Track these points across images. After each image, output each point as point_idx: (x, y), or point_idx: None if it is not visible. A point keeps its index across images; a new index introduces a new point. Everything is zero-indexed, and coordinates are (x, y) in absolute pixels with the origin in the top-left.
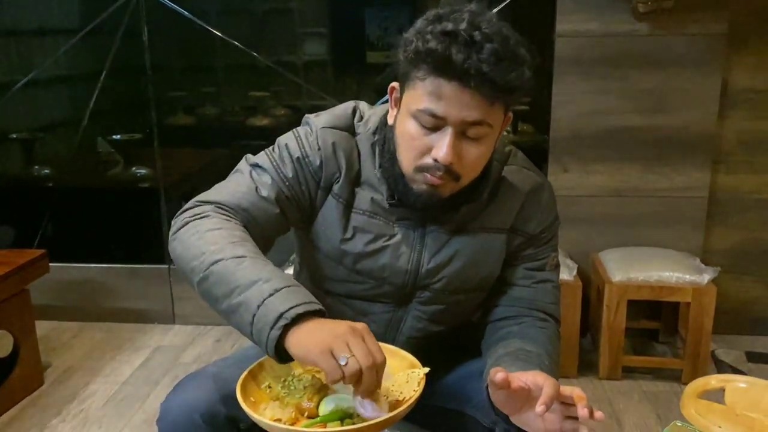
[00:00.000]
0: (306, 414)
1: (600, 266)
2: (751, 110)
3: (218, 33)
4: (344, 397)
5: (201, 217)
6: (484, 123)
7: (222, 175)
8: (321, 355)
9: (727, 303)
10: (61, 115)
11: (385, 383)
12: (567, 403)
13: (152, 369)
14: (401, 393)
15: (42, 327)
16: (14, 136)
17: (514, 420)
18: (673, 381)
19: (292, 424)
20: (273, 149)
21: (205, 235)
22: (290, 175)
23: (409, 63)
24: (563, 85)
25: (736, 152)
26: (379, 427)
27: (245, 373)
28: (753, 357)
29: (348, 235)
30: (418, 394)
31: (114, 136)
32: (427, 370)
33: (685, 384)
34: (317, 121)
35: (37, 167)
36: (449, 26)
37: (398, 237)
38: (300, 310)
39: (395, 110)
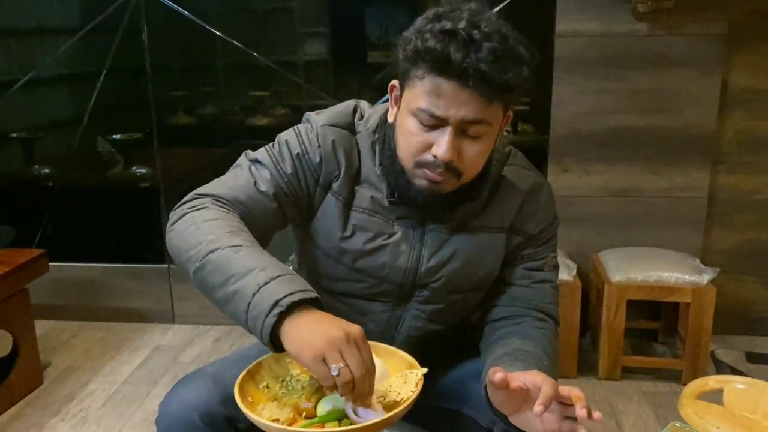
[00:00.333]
0: (304, 414)
1: (599, 266)
2: (751, 110)
3: (218, 33)
4: (342, 398)
5: (198, 209)
6: (483, 122)
7: (222, 175)
8: (313, 362)
9: (727, 303)
10: (61, 114)
11: (383, 383)
12: (565, 404)
13: (151, 368)
14: (399, 393)
15: (41, 326)
16: (14, 135)
17: (513, 420)
18: (672, 381)
19: (290, 425)
20: (273, 145)
21: (202, 225)
22: (289, 171)
23: (408, 62)
24: (563, 85)
25: (736, 152)
26: (377, 427)
27: (243, 373)
28: (752, 357)
29: (347, 233)
30: (415, 394)
31: (114, 136)
32: (425, 370)
33: (685, 384)
34: (318, 118)
35: (37, 166)
36: (448, 25)
37: (398, 235)
38: (296, 297)
39: (395, 108)
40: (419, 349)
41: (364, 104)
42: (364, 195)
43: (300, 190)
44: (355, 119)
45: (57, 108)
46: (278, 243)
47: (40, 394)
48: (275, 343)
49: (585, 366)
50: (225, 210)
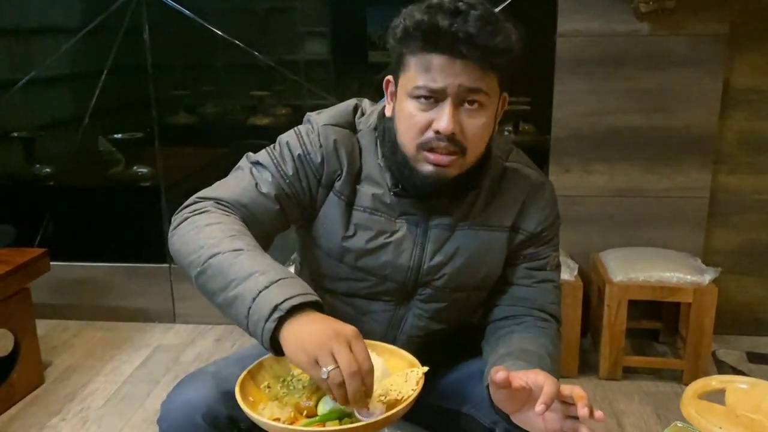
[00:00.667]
0: (305, 413)
1: (601, 266)
2: (753, 110)
3: (219, 32)
4: None
5: (200, 213)
6: (480, 91)
7: (223, 174)
8: (308, 365)
9: (728, 303)
10: (62, 113)
11: (384, 382)
12: (567, 403)
13: (152, 368)
14: (399, 392)
15: (42, 326)
16: (15, 134)
17: (515, 419)
18: (673, 381)
19: (291, 424)
20: (274, 147)
21: (204, 229)
22: (290, 173)
23: (399, 43)
24: (564, 85)
25: (737, 152)
26: (378, 426)
27: (244, 372)
28: (754, 357)
29: (350, 232)
30: (416, 393)
31: (115, 135)
32: (425, 369)
33: (686, 384)
34: (319, 118)
35: (38, 166)
36: (434, 0)
37: (400, 233)
38: (295, 301)
39: (392, 102)
40: (422, 348)
41: (365, 103)
42: (365, 193)
43: (302, 190)
44: (356, 117)
45: (58, 107)
46: (278, 244)
47: (41, 393)
48: (276, 348)
49: (586, 366)
50: (226, 213)
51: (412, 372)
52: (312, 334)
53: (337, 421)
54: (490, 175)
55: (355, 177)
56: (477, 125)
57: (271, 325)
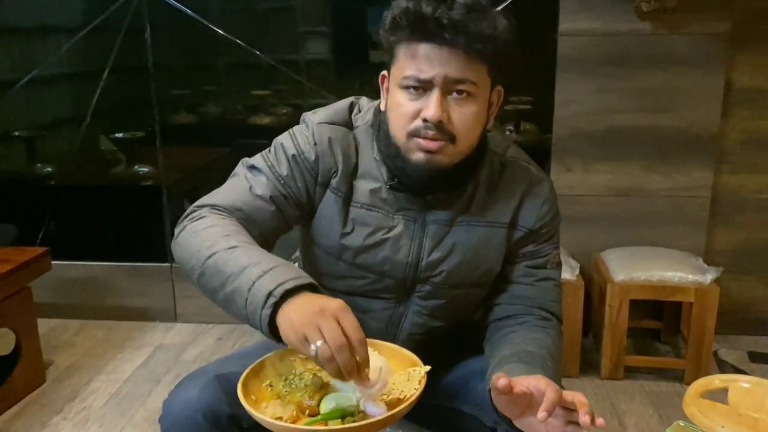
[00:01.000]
0: (307, 412)
1: (602, 266)
2: (754, 110)
3: (221, 31)
4: (345, 396)
5: (197, 219)
6: (467, 81)
7: (224, 174)
8: (298, 344)
9: (730, 303)
10: (63, 113)
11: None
12: (569, 409)
13: (154, 367)
14: (402, 391)
15: (44, 325)
16: (17, 133)
17: (517, 423)
18: (675, 381)
19: (293, 422)
20: (269, 150)
21: (201, 233)
22: (285, 173)
23: (388, 33)
24: (566, 84)
25: (739, 152)
26: (380, 425)
27: (246, 371)
28: (755, 357)
29: (347, 229)
30: (418, 392)
31: (116, 135)
32: (428, 368)
33: (688, 384)
34: (314, 117)
35: (39, 165)
36: None
37: (398, 229)
38: (288, 285)
39: (386, 97)
40: (422, 346)
41: (363, 100)
42: (362, 189)
43: (298, 190)
44: (353, 114)
45: (59, 107)
46: (278, 243)
47: (43, 392)
48: (276, 335)
49: (588, 365)
50: (222, 216)
51: (414, 371)
52: (300, 313)
53: (339, 420)
54: (487, 170)
55: (352, 173)
56: (465, 114)
57: (267, 311)
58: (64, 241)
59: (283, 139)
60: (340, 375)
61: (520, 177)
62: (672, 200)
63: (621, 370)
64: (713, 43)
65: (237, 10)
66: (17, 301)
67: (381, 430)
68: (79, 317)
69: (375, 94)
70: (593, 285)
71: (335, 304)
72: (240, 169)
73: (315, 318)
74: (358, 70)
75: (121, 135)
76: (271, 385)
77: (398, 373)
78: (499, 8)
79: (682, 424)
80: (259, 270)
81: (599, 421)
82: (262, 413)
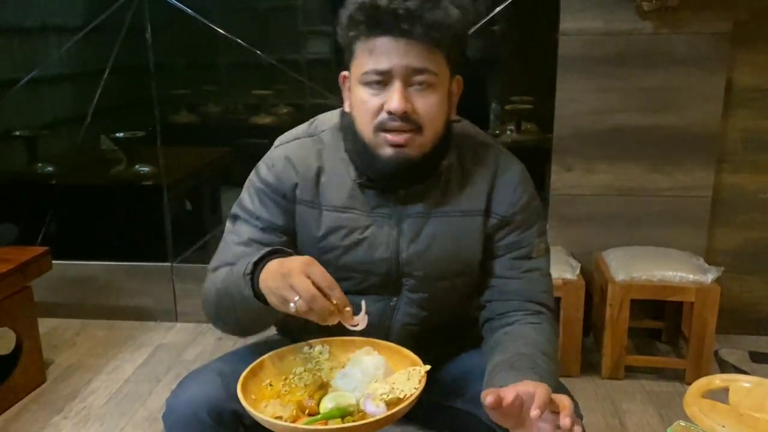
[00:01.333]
0: (307, 411)
1: (603, 265)
2: (756, 109)
3: (221, 31)
4: (345, 395)
5: (206, 287)
6: (427, 71)
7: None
8: (281, 305)
9: (731, 303)
10: (64, 112)
11: (387, 380)
12: (558, 412)
13: (154, 366)
14: (402, 390)
15: (44, 324)
16: (17, 133)
17: None
18: (676, 381)
19: (293, 422)
20: (242, 193)
21: (205, 293)
22: (258, 210)
23: (345, 30)
24: (567, 83)
25: (741, 151)
26: (380, 424)
27: (246, 370)
28: (757, 357)
29: (323, 234)
30: (419, 391)
31: (117, 134)
32: (427, 367)
33: (689, 384)
34: (275, 144)
35: (40, 165)
36: None
37: (374, 227)
38: (254, 257)
39: (349, 96)
40: (418, 338)
41: (324, 114)
42: (332, 193)
43: (277, 219)
44: (316, 125)
45: (60, 106)
46: None
47: (43, 391)
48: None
49: (588, 365)
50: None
51: (414, 370)
52: (273, 279)
53: (339, 419)
54: (457, 158)
55: (315, 179)
56: (429, 103)
57: (248, 290)
58: (65, 240)
59: (250, 176)
60: (325, 321)
61: (491, 162)
62: (673, 200)
63: (622, 369)
64: (714, 42)
65: (238, 9)
66: (18, 300)
67: (381, 430)
68: (80, 317)
69: None
70: (594, 285)
71: (300, 261)
72: (227, 223)
73: (285, 279)
74: None
75: (121, 135)
76: (270, 385)
77: (398, 373)
78: (500, 7)
79: (683, 424)
80: (239, 265)
81: (577, 429)
82: (262, 412)
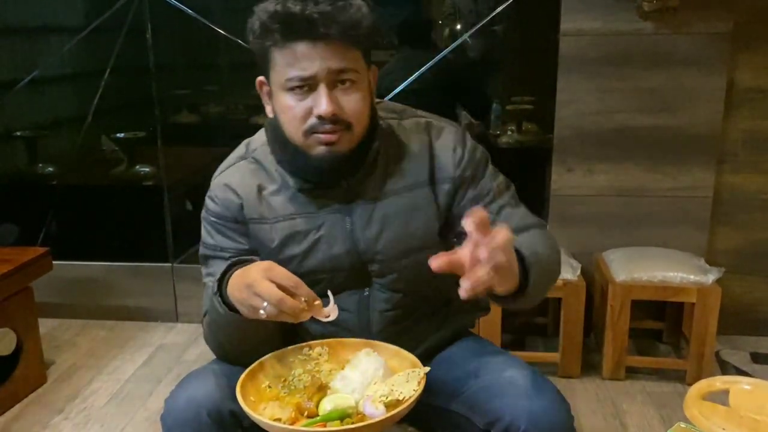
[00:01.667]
0: (306, 413)
1: (604, 266)
2: (757, 110)
3: (221, 31)
4: (344, 397)
5: (203, 330)
6: (349, 69)
7: None
8: (253, 314)
9: (732, 303)
10: (64, 113)
11: (386, 382)
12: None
13: (155, 367)
14: (401, 392)
15: (45, 325)
16: (18, 134)
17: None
18: (677, 382)
19: (292, 424)
20: (201, 232)
21: (206, 335)
22: (219, 242)
23: (260, 39)
24: (567, 84)
25: (741, 152)
26: (379, 426)
27: (245, 372)
28: (758, 358)
29: (277, 244)
30: (418, 393)
31: (118, 135)
32: (427, 369)
33: (689, 385)
34: (213, 176)
35: (40, 165)
36: None
37: (326, 225)
38: (217, 275)
39: (270, 102)
40: (400, 323)
41: (255, 135)
42: (276, 204)
43: (240, 244)
44: (248, 146)
45: (61, 107)
46: None
47: (44, 392)
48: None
49: (589, 366)
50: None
51: (413, 372)
52: (239, 291)
53: (338, 422)
54: (389, 140)
55: (257, 195)
56: (354, 101)
57: (221, 307)
58: (66, 241)
59: (202, 214)
60: (298, 318)
61: (423, 131)
62: (674, 200)
63: (622, 370)
64: (715, 43)
65: (238, 9)
66: (18, 301)
67: None
68: (81, 317)
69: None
70: (595, 285)
71: (260, 267)
72: (201, 268)
73: (249, 288)
74: None
75: (122, 135)
76: (269, 387)
77: (397, 374)
78: (501, 7)
79: (683, 425)
80: (208, 288)
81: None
82: (261, 414)
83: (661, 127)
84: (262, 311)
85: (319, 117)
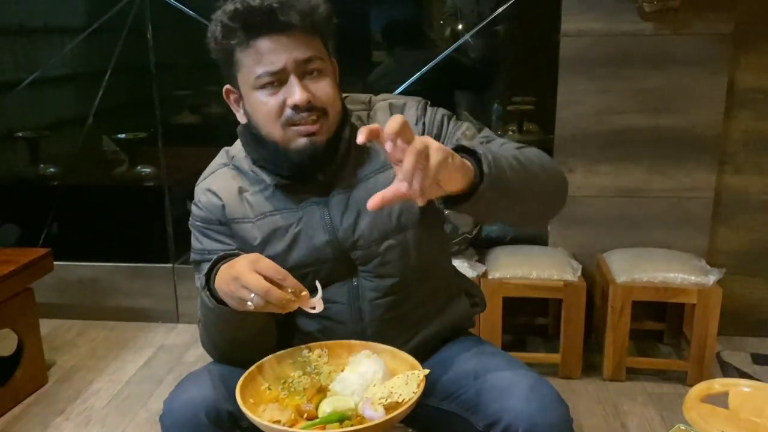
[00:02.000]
0: (305, 416)
1: (605, 267)
2: (758, 110)
3: None
4: (343, 399)
5: (200, 335)
6: (315, 57)
7: None
8: (239, 306)
9: (733, 304)
10: (66, 113)
11: (385, 385)
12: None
13: (156, 368)
14: (401, 394)
15: (46, 325)
16: (19, 134)
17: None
18: (677, 383)
19: (291, 426)
20: (191, 240)
21: (201, 337)
22: (209, 246)
23: (223, 44)
24: (568, 84)
25: (742, 153)
26: (378, 428)
27: (245, 374)
28: (759, 359)
29: (260, 241)
30: (417, 395)
31: (119, 135)
32: (426, 371)
33: (690, 386)
34: (196, 183)
35: (42, 166)
36: None
37: (305, 218)
38: (204, 270)
39: (241, 108)
40: (394, 312)
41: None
42: (256, 202)
43: (229, 244)
44: (227, 153)
45: (62, 107)
46: None
47: (45, 393)
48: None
49: (590, 367)
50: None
51: (413, 374)
52: (226, 284)
53: (337, 424)
54: (355, 125)
55: (238, 196)
56: (325, 87)
57: (211, 302)
58: (67, 241)
59: (189, 222)
60: (285, 309)
61: (387, 114)
62: (675, 201)
63: (623, 371)
64: (716, 43)
65: None
66: (19, 301)
67: None
68: (82, 318)
69: (376, 93)
70: (596, 286)
71: (246, 259)
72: (195, 274)
73: (236, 280)
74: (361, 70)
75: (123, 136)
76: (269, 389)
77: (396, 377)
78: (502, 8)
79: (683, 427)
80: (197, 282)
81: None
82: (260, 416)
83: (662, 128)
84: (249, 303)
85: (295, 107)
